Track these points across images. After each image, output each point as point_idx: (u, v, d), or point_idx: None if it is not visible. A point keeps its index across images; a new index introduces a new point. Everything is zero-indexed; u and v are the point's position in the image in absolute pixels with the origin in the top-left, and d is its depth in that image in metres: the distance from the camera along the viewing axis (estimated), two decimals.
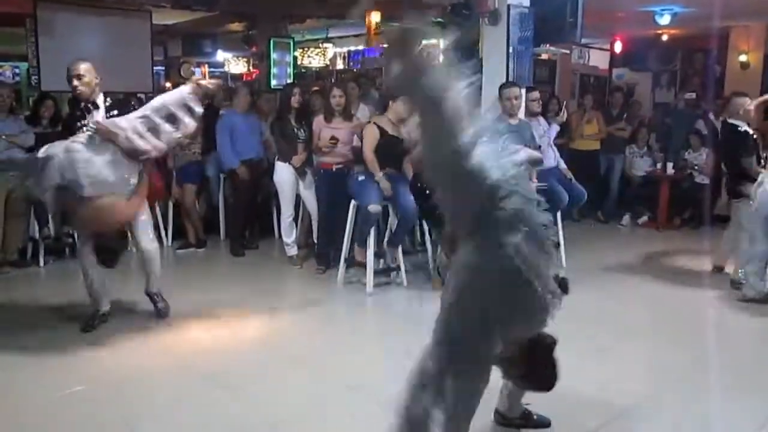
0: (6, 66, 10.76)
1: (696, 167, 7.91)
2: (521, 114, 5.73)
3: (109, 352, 3.95)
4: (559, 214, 6.00)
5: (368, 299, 5.13)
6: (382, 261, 5.55)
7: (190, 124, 4.14)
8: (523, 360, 2.46)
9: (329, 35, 12.67)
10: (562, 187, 5.94)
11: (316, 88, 7.53)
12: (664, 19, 8.52)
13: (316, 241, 6.00)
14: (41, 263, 5.82)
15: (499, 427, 3.12)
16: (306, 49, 12.24)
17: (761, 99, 5.66)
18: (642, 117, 9.50)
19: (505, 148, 2.23)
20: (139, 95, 6.92)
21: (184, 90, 4.17)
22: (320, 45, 12.46)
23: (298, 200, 6.07)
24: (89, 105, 4.05)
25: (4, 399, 3.37)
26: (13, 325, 4.42)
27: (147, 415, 3.24)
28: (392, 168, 5.32)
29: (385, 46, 1.95)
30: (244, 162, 6.21)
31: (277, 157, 5.99)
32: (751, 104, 5.39)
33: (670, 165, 7.94)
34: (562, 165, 6.39)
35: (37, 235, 5.85)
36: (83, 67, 4.03)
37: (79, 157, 3.85)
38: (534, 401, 3.16)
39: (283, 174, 5.90)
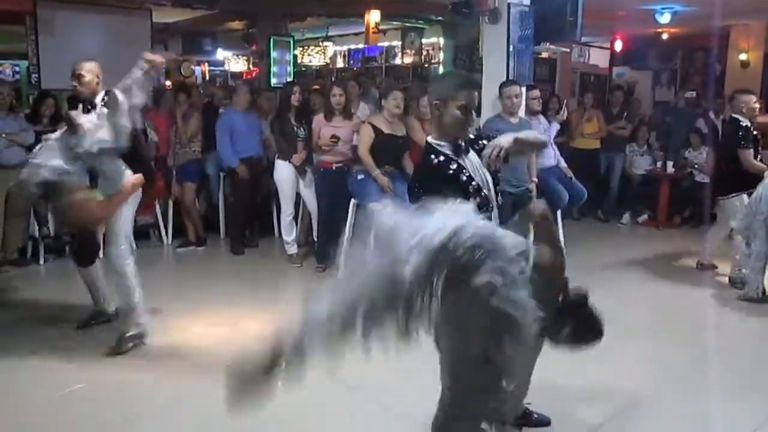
0: (6, 64, 10.74)
1: (696, 166, 7.90)
2: (521, 112, 5.72)
3: (109, 351, 3.95)
4: (559, 213, 6.02)
5: None
6: None
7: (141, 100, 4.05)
8: (565, 321, 2.43)
9: (329, 33, 12.67)
10: (562, 185, 5.95)
11: (316, 87, 7.52)
12: (665, 18, 8.52)
13: (316, 239, 6.00)
14: (41, 262, 5.82)
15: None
16: (306, 47, 12.24)
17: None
18: (642, 115, 9.49)
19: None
20: None
21: (138, 70, 4.12)
22: (320, 43, 12.46)
23: (298, 199, 6.07)
24: (87, 104, 4.04)
25: (5, 398, 3.38)
26: (13, 324, 4.42)
27: (147, 415, 3.24)
28: (392, 166, 5.32)
29: None
30: (243, 160, 6.21)
31: (277, 156, 5.99)
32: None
33: (670, 164, 7.94)
34: (563, 163, 6.39)
35: (37, 234, 5.85)
36: (86, 67, 4.02)
37: (49, 145, 3.86)
38: (534, 400, 3.16)
39: (283, 172, 5.89)
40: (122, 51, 7.61)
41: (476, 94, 2.59)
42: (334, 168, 5.61)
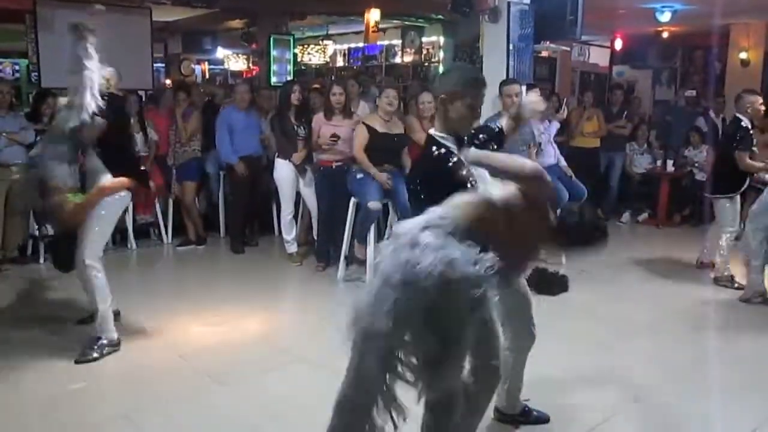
0: (6, 62, 10.75)
1: (696, 164, 7.91)
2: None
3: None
4: (559, 212, 6.01)
5: None
6: None
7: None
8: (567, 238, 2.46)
9: (329, 32, 12.66)
10: (562, 184, 5.94)
11: (315, 86, 7.52)
12: (665, 17, 8.51)
13: (316, 238, 6.00)
14: (41, 260, 5.82)
15: (499, 424, 3.12)
16: (306, 46, 12.23)
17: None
18: (642, 114, 9.50)
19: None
20: (138, 92, 6.92)
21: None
22: (320, 42, 12.45)
23: (298, 197, 6.07)
24: None
25: (6, 396, 3.38)
26: (13, 322, 4.43)
27: (148, 412, 3.24)
28: (391, 164, 5.32)
29: None
30: (242, 159, 6.21)
31: (277, 154, 5.99)
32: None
33: (670, 162, 7.95)
34: (563, 162, 6.39)
35: (36, 233, 5.85)
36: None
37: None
38: (533, 397, 3.17)
39: (283, 171, 5.90)
40: (122, 50, 7.62)
41: (484, 91, 2.58)
42: (333, 167, 5.61)
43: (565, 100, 7.52)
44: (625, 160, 8.33)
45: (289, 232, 6.01)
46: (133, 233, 6.44)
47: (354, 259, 5.39)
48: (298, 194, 6.02)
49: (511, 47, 5.64)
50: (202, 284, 5.41)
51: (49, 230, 5.79)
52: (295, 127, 5.83)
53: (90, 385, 3.52)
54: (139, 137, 6.27)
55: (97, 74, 3.75)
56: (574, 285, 5.30)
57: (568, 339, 4.13)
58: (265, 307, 4.82)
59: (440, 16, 10.64)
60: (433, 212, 2.11)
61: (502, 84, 5.50)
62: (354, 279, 5.39)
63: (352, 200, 5.32)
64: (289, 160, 5.83)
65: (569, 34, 5.80)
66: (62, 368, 3.67)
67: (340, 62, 13.30)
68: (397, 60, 12.11)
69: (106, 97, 3.79)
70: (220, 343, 4.14)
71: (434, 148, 2.53)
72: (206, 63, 14.82)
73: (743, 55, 9.67)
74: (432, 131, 2.58)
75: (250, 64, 13.10)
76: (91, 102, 3.66)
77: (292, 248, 6.03)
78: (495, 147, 2.79)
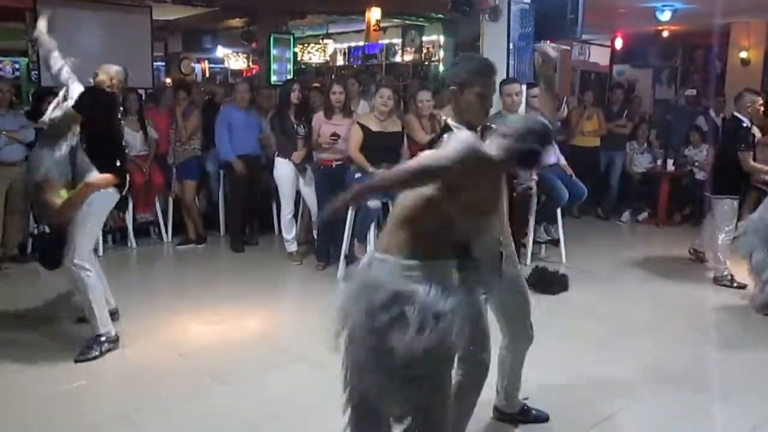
0: (6, 61, 10.74)
1: (696, 164, 7.91)
2: (522, 110, 5.72)
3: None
4: (559, 211, 6.02)
5: None
6: None
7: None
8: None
9: (329, 31, 12.66)
10: (562, 183, 5.94)
11: (315, 84, 7.52)
12: (665, 16, 8.51)
13: (316, 237, 6.00)
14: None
15: (498, 423, 3.13)
16: (306, 45, 12.23)
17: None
18: (642, 113, 9.48)
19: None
20: (138, 90, 6.92)
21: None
22: (320, 41, 12.45)
23: (298, 197, 6.07)
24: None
25: (5, 394, 3.38)
26: (14, 320, 4.43)
27: (148, 410, 3.24)
28: (389, 163, 5.32)
29: None
30: (240, 157, 6.21)
31: (277, 153, 5.99)
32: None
33: (670, 161, 7.94)
34: (563, 161, 6.38)
35: (36, 231, 5.85)
36: (102, 66, 4.04)
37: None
38: (532, 396, 3.17)
39: (283, 170, 5.89)
40: (122, 48, 7.65)
41: (494, 79, 2.58)
42: (334, 166, 5.61)
43: (565, 99, 7.52)
44: (626, 159, 8.33)
45: (289, 231, 6.01)
46: (133, 232, 6.44)
47: (354, 259, 5.39)
48: (298, 193, 6.02)
49: (511, 46, 5.64)
50: (202, 283, 5.41)
51: (47, 229, 5.84)
52: (295, 126, 5.82)
53: (90, 384, 3.52)
54: (139, 136, 6.28)
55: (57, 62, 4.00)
56: (574, 284, 5.30)
57: (567, 338, 4.13)
58: (265, 306, 4.82)
59: (440, 15, 10.64)
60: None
61: (503, 83, 5.49)
62: None
63: None
64: (289, 159, 5.83)
65: (569, 33, 5.79)
66: (62, 367, 3.67)
67: (340, 61, 13.29)
68: (398, 59, 12.10)
69: (85, 92, 3.81)
70: (220, 342, 4.15)
71: (445, 136, 2.55)
72: (206, 62, 14.82)
73: (743, 54, 9.66)
74: (448, 119, 2.60)
75: (250, 63, 13.10)
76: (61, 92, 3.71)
77: (292, 247, 6.03)
78: None
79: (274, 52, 10.04)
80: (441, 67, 11.16)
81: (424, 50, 11.70)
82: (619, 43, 11.13)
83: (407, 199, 2.18)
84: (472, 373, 2.63)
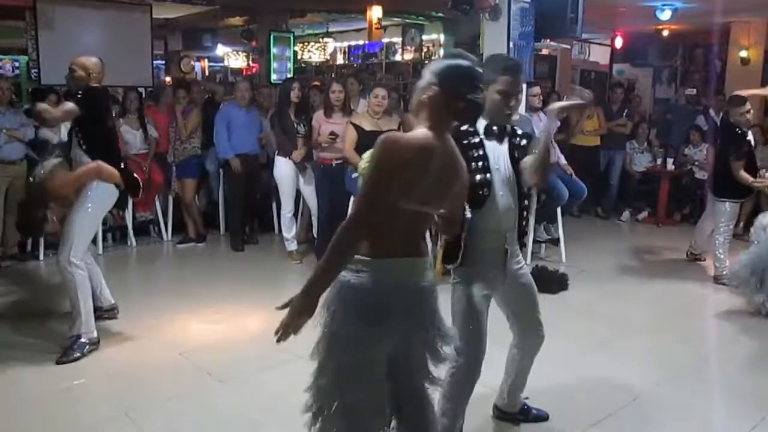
0: (6, 59, 10.73)
1: (696, 163, 7.91)
2: (522, 109, 5.72)
3: (109, 346, 3.95)
4: (559, 210, 6.02)
5: None
6: None
7: None
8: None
9: (329, 30, 12.66)
10: (562, 182, 5.95)
11: (315, 83, 7.52)
12: (665, 15, 8.50)
13: (315, 236, 6.00)
14: (41, 257, 5.83)
15: (498, 422, 3.13)
16: (306, 43, 12.23)
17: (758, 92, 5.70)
18: (642, 113, 9.48)
19: None
20: (138, 89, 6.92)
21: None
22: (320, 40, 12.45)
23: (298, 195, 6.07)
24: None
25: (5, 392, 3.38)
26: (13, 319, 4.43)
27: (148, 409, 3.24)
28: None
29: None
30: (238, 156, 6.21)
31: (276, 152, 5.99)
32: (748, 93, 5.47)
33: (670, 161, 7.94)
34: (563, 161, 6.39)
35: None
36: (76, 61, 3.95)
37: None
38: (532, 396, 3.18)
39: (283, 169, 5.89)
40: (122, 46, 7.65)
41: (518, 79, 2.59)
42: (333, 165, 5.61)
43: (564, 98, 7.52)
44: (625, 158, 8.33)
45: (289, 230, 6.01)
46: (133, 230, 6.45)
47: None
48: (298, 192, 6.02)
49: (511, 45, 5.63)
50: (202, 282, 5.40)
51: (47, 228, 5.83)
52: (295, 124, 5.82)
53: (89, 382, 3.52)
54: (138, 134, 6.28)
55: None
56: (574, 283, 5.31)
57: (567, 337, 4.13)
58: (265, 305, 4.80)
59: (441, 14, 10.64)
60: None
61: None
62: None
63: (352, 198, 5.32)
64: (289, 158, 5.83)
65: (570, 33, 5.79)
66: (62, 365, 3.67)
67: (340, 60, 13.28)
68: (398, 58, 12.09)
69: (80, 92, 3.79)
70: (219, 341, 4.15)
71: (465, 126, 2.60)
72: (206, 60, 14.81)
73: (743, 54, 9.66)
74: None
75: (250, 62, 13.10)
76: None
77: (292, 246, 6.03)
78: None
79: (274, 50, 10.04)
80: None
81: (425, 49, 11.69)
82: (619, 42, 11.13)
83: None
84: (463, 367, 2.65)
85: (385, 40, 12.10)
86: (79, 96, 3.78)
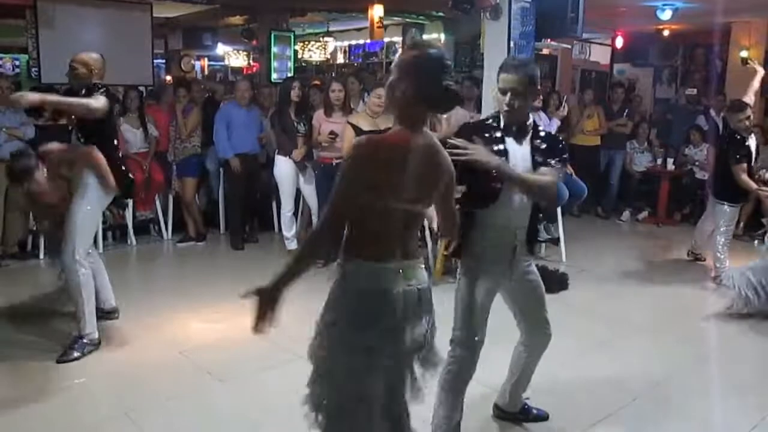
0: (6, 58, 10.72)
1: (696, 163, 7.91)
2: None
3: (109, 345, 3.95)
4: (559, 209, 6.02)
5: None
6: None
7: None
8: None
9: (330, 29, 12.65)
10: (562, 182, 5.94)
11: (315, 82, 7.51)
12: (666, 15, 8.49)
13: None
14: (41, 256, 5.82)
15: (498, 421, 3.13)
16: (306, 42, 12.22)
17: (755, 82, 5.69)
18: (643, 112, 9.48)
19: None
20: (139, 88, 6.92)
21: None
22: (321, 39, 12.44)
23: (298, 194, 6.07)
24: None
25: (5, 391, 3.38)
26: (13, 318, 4.43)
27: (148, 408, 3.24)
28: None
29: None
30: (238, 156, 6.21)
31: (277, 151, 5.98)
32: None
33: (670, 161, 7.95)
34: None
35: (36, 228, 5.85)
36: (77, 58, 3.93)
37: None
38: (533, 395, 3.17)
39: (283, 168, 5.89)
40: (122, 45, 7.64)
41: (517, 75, 2.58)
42: (334, 164, 5.60)
43: (565, 97, 7.52)
44: (626, 158, 8.33)
45: (289, 229, 6.01)
46: (133, 229, 6.45)
47: None
48: (298, 191, 6.02)
49: (512, 45, 5.63)
50: (202, 281, 5.40)
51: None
52: (295, 123, 5.82)
53: (89, 382, 3.52)
54: (139, 133, 6.28)
55: None
56: (574, 283, 5.31)
57: (567, 336, 4.11)
58: None
59: (441, 14, 10.63)
60: None
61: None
62: None
63: None
64: (289, 157, 5.82)
65: (570, 32, 5.79)
66: (62, 365, 3.67)
67: (340, 59, 13.27)
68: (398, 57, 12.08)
69: (102, 89, 3.78)
70: (220, 340, 4.15)
71: (489, 119, 2.69)
72: (206, 59, 14.79)
73: (744, 54, 9.64)
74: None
75: (251, 61, 13.09)
76: None
77: (292, 245, 6.03)
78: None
79: (274, 49, 10.03)
80: None
81: None
82: (619, 42, 11.11)
83: None
84: (460, 358, 2.68)
85: (386, 39, 12.09)
86: (102, 90, 3.77)
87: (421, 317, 2.08)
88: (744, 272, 4.76)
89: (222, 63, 14.43)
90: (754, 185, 5.38)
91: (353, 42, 12.99)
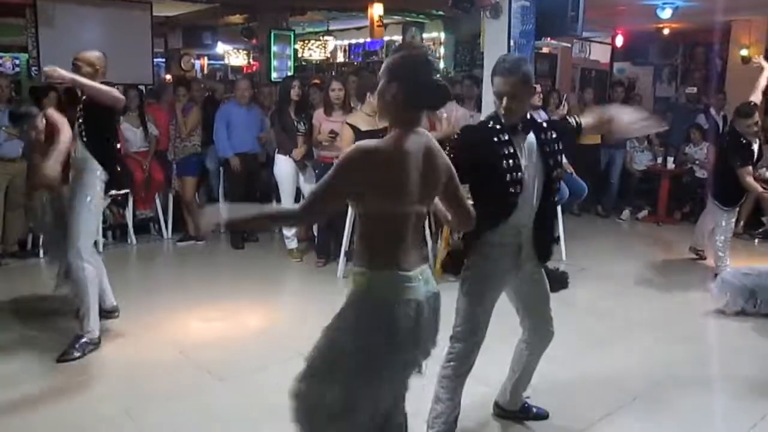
0: (6, 57, 10.72)
1: (696, 162, 7.91)
2: None
3: (109, 344, 3.96)
4: (559, 208, 6.01)
5: None
6: None
7: None
8: None
9: (330, 28, 12.64)
10: (563, 181, 5.95)
11: (315, 81, 7.51)
12: (666, 13, 8.49)
13: (316, 234, 6.00)
14: (41, 254, 5.81)
15: (499, 420, 3.13)
16: (306, 41, 12.21)
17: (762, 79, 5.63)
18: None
19: None
20: (139, 87, 6.91)
21: None
22: (321, 38, 12.43)
23: (298, 193, 6.06)
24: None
25: (5, 390, 3.38)
26: (13, 317, 4.43)
27: (148, 407, 3.25)
28: None
29: None
30: (237, 155, 6.21)
31: (277, 150, 5.98)
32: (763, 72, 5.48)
33: (670, 159, 7.94)
34: (563, 159, 6.39)
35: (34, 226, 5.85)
36: (80, 57, 3.92)
37: None
38: (533, 394, 3.18)
39: (283, 167, 5.89)
40: (122, 44, 7.63)
41: (510, 78, 2.54)
42: (334, 163, 5.59)
43: (565, 96, 7.52)
44: (626, 157, 8.32)
45: (289, 228, 6.01)
46: (133, 228, 6.45)
47: (354, 256, 5.39)
48: (298, 190, 6.02)
49: (512, 43, 5.63)
50: (202, 280, 5.40)
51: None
52: (295, 122, 5.82)
53: (89, 380, 3.52)
54: (139, 132, 6.28)
55: None
56: (574, 281, 5.27)
57: (567, 335, 4.12)
58: (265, 303, 4.83)
59: (441, 12, 10.62)
60: None
61: None
62: None
63: None
64: (289, 156, 5.82)
65: (570, 31, 5.80)
66: (62, 363, 3.67)
67: (340, 58, 13.26)
68: None
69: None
70: (220, 339, 4.15)
71: (490, 121, 2.66)
72: (206, 58, 14.79)
73: (744, 52, 9.64)
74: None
75: (251, 60, 13.08)
76: None
77: (292, 244, 6.03)
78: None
79: (274, 48, 10.03)
80: (442, 64, 11.14)
81: None
82: (619, 41, 11.11)
83: None
84: (459, 353, 2.69)
85: (386, 38, 12.08)
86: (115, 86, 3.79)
87: (438, 321, 2.09)
88: (738, 276, 4.78)
89: (222, 62, 14.42)
90: (759, 188, 5.36)
91: (353, 41, 12.98)
